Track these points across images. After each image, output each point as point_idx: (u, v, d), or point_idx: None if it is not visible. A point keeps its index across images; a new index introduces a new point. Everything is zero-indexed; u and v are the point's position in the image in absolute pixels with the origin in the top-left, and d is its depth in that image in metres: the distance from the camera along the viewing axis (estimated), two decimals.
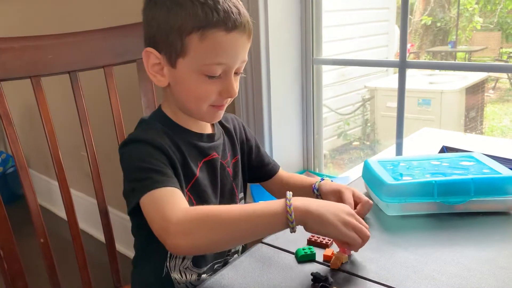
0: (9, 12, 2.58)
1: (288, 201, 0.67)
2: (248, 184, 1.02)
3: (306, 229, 0.68)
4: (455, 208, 0.85)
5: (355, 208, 0.82)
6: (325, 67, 1.63)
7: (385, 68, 2.96)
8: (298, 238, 0.79)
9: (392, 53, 3.00)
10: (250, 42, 0.80)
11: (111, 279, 1.10)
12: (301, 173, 1.65)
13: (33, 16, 2.38)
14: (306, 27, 1.52)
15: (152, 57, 0.79)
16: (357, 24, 2.70)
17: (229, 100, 0.82)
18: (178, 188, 0.71)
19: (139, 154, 0.75)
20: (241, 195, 0.94)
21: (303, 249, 0.74)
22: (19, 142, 0.94)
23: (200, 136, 0.85)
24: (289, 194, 0.68)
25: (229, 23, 0.73)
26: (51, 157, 1.00)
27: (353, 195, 0.84)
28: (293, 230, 0.67)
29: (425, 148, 1.88)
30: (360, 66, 2.63)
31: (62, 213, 1.20)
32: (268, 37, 1.41)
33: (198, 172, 0.83)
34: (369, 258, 0.73)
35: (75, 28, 1.06)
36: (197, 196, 0.82)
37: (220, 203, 0.87)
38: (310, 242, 0.78)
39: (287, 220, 0.66)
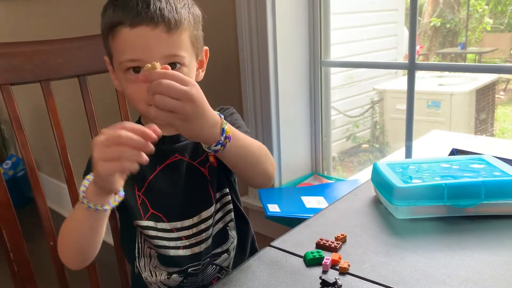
0: (18, 16, 2.61)
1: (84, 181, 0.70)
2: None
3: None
4: (465, 212, 0.84)
5: None
6: (333, 69, 1.63)
7: (394, 70, 2.95)
8: (307, 242, 0.79)
9: (401, 55, 2.99)
10: (175, 35, 0.75)
11: (120, 281, 1.10)
12: (309, 176, 1.64)
13: (43, 20, 2.40)
14: (314, 29, 1.52)
15: (108, 64, 0.84)
16: (365, 26, 2.69)
17: None
18: None
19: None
20: (219, 194, 0.90)
21: (312, 253, 0.74)
22: (29, 146, 0.95)
23: (162, 139, 0.81)
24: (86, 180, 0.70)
25: (132, 18, 0.73)
26: (61, 160, 1.00)
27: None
28: (88, 206, 0.67)
29: (435, 151, 1.87)
30: (368, 68, 2.62)
31: None
32: (275, 39, 1.41)
33: (152, 176, 0.85)
34: (379, 262, 0.72)
35: (84, 32, 1.07)
36: (151, 199, 0.86)
37: (189, 204, 0.87)
38: (318, 246, 0.77)
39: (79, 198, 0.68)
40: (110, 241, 1.09)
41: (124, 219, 0.91)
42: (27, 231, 0.97)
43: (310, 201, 1.38)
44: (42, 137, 2.35)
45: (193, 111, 0.65)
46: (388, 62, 2.81)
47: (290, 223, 1.27)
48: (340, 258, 0.73)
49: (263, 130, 1.51)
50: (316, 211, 0.95)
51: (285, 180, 1.59)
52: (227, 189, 0.92)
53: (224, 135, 0.72)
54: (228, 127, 0.73)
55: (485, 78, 2.79)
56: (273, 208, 1.34)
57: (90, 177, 0.69)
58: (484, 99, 2.79)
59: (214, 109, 0.92)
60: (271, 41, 1.41)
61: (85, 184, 0.69)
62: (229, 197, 0.92)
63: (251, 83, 1.48)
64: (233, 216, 0.93)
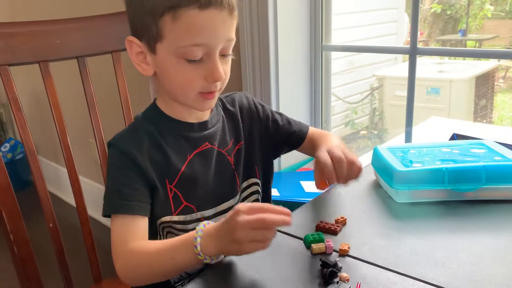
0: None
1: (196, 233, 0.66)
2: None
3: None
4: (465, 196, 0.84)
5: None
6: (333, 55, 1.61)
7: (393, 57, 2.93)
8: (307, 224, 0.79)
9: (401, 41, 2.97)
10: (234, 18, 0.75)
11: None
12: (309, 160, 1.64)
13: (41, 0, 2.37)
14: (316, 13, 1.50)
15: (134, 46, 0.77)
16: (366, 12, 2.67)
17: (219, 85, 0.77)
18: (137, 213, 0.75)
19: (113, 164, 0.79)
20: (246, 183, 0.91)
21: (312, 235, 0.74)
22: (28, 128, 0.95)
23: (191, 126, 0.83)
24: (200, 225, 0.67)
25: (202, 0, 0.69)
26: (60, 144, 1.00)
27: (332, 157, 0.76)
28: (203, 261, 0.66)
29: (434, 137, 1.87)
30: (370, 52, 2.60)
31: (70, 199, 1.21)
32: (276, 22, 1.40)
33: (184, 167, 0.81)
34: (379, 245, 0.73)
35: (83, 13, 1.05)
36: (184, 191, 0.82)
37: (218, 193, 0.85)
38: (318, 228, 0.78)
39: (195, 250, 0.66)
40: (109, 224, 1.10)
41: None
42: (26, 214, 0.97)
43: (310, 186, 1.38)
44: (41, 120, 2.34)
45: None
46: (390, 46, 2.80)
47: (289, 207, 1.26)
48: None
49: None
50: (315, 195, 0.95)
51: (284, 165, 1.59)
52: (256, 179, 0.92)
53: None
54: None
55: (485, 66, 2.78)
56: (273, 192, 1.34)
57: (202, 227, 0.67)
58: (484, 86, 2.78)
59: (227, 95, 0.92)
60: (271, 24, 1.39)
61: (200, 235, 0.66)
62: (257, 187, 0.92)
63: (251, 66, 1.47)
64: None
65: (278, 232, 0.78)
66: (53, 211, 0.98)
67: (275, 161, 1.56)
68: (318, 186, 0.79)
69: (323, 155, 0.78)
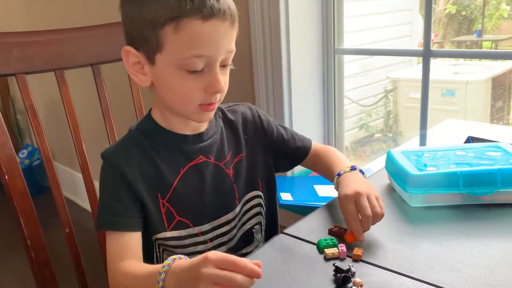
0: (32, 5, 2.63)
1: (162, 268, 0.62)
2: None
3: None
4: (481, 199, 0.83)
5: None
6: (346, 58, 1.61)
7: (408, 59, 2.91)
8: (320, 229, 0.79)
9: (415, 44, 2.95)
10: (235, 30, 0.74)
11: None
12: None
13: (56, 9, 2.42)
14: (327, 16, 1.50)
15: (131, 56, 0.76)
16: (379, 14, 2.65)
17: (219, 96, 0.76)
18: (127, 230, 0.76)
19: (103, 178, 0.79)
20: (248, 196, 0.89)
21: (325, 240, 0.74)
22: (44, 135, 0.96)
23: (185, 138, 0.81)
24: (169, 260, 0.63)
25: (204, 10, 0.68)
26: (75, 150, 1.01)
27: (369, 201, 0.75)
28: None
29: (450, 140, 1.85)
30: (383, 55, 2.58)
31: (86, 205, 1.23)
32: (288, 26, 1.40)
33: (177, 181, 0.80)
34: (393, 249, 0.72)
35: (98, 21, 1.07)
36: (177, 206, 0.80)
37: (215, 207, 0.83)
38: (331, 233, 0.77)
39: (157, 286, 0.61)
40: None
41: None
42: (43, 219, 0.98)
43: (323, 190, 1.38)
44: (57, 127, 2.38)
45: None
46: (403, 49, 2.77)
47: (302, 211, 1.27)
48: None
49: (276, 119, 1.50)
50: (328, 199, 0.95)
51: (297, 169, 1.58)
52: (259, 191, 0.90)
53: None
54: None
55: (502, 66, 2.74)
56: (286, 196, 1.34)
57: (170, 262, 0.62)
58: (500, 87, 2.74)
59: (230, 105, 0.92)
60: (283, 28, 1.40)
61: (165, 270, 0.62)
62: (260, 200, 0.90)
63: (264, 71, 1.47)
64: (261, 219, 0.91)
65: (291, 237, 0.79)
66: (69, 216, 0.99)
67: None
68: (346, 240, 0.75)
69: (351, 208, 0.75)
